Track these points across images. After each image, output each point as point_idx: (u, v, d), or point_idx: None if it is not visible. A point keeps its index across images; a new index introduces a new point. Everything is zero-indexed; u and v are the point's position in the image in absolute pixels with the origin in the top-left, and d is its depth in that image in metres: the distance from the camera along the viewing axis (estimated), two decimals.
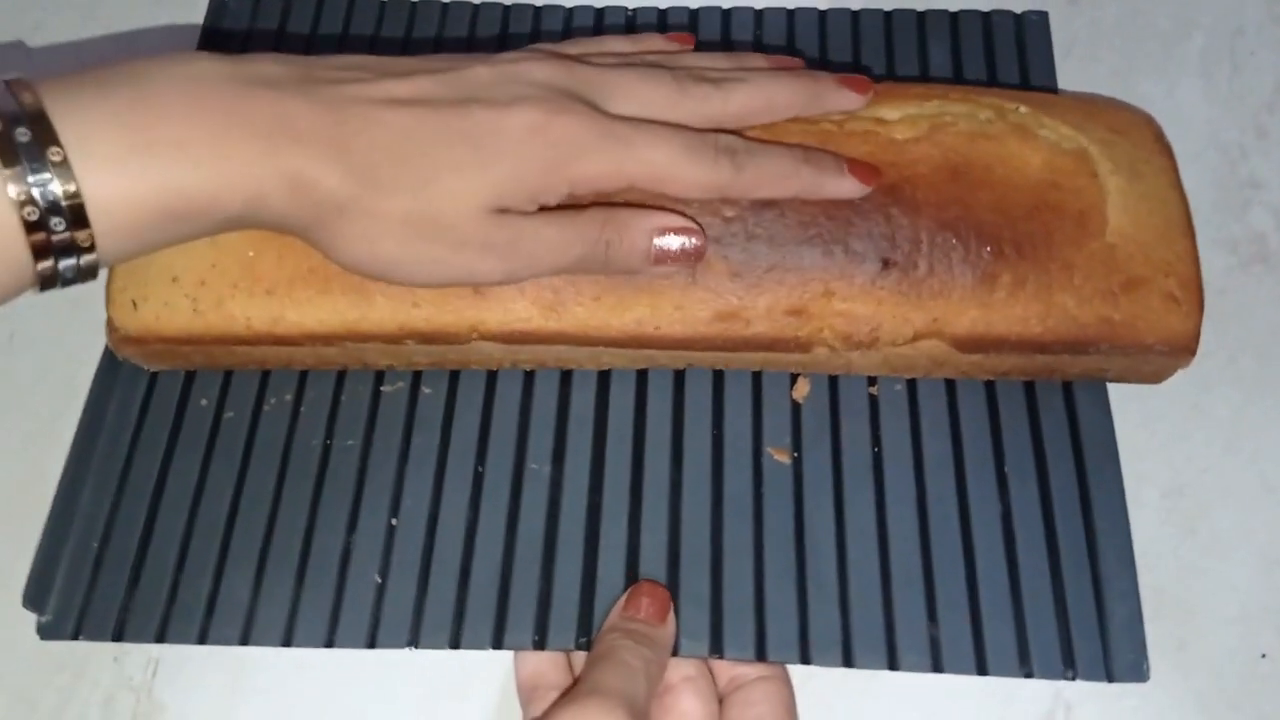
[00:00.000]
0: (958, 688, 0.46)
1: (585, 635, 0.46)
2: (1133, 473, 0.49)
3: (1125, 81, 0.57)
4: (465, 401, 0.51)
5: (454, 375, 0.51)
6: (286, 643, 0.46)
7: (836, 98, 0.46)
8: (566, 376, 0.51)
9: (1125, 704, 0.46)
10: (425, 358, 0.50)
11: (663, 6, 0.61)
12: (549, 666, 0.46)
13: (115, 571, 0.47)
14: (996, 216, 0.45)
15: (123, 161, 0.36)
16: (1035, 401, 0.50)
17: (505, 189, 0.41)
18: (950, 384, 0.50)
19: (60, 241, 0.36)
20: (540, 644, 0.46)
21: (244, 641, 0.46)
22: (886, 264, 0.45)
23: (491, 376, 0.51)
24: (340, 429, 0.50)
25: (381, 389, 0.51)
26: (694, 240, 0.44)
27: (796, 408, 0.50)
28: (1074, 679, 0.45)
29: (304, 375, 0.51)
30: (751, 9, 0.60)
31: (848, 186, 0.44)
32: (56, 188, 0.35)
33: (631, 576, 0.46)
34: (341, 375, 0.51)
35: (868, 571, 0.46)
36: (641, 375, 0.51)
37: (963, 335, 0.46)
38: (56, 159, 0.34)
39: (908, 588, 0.46)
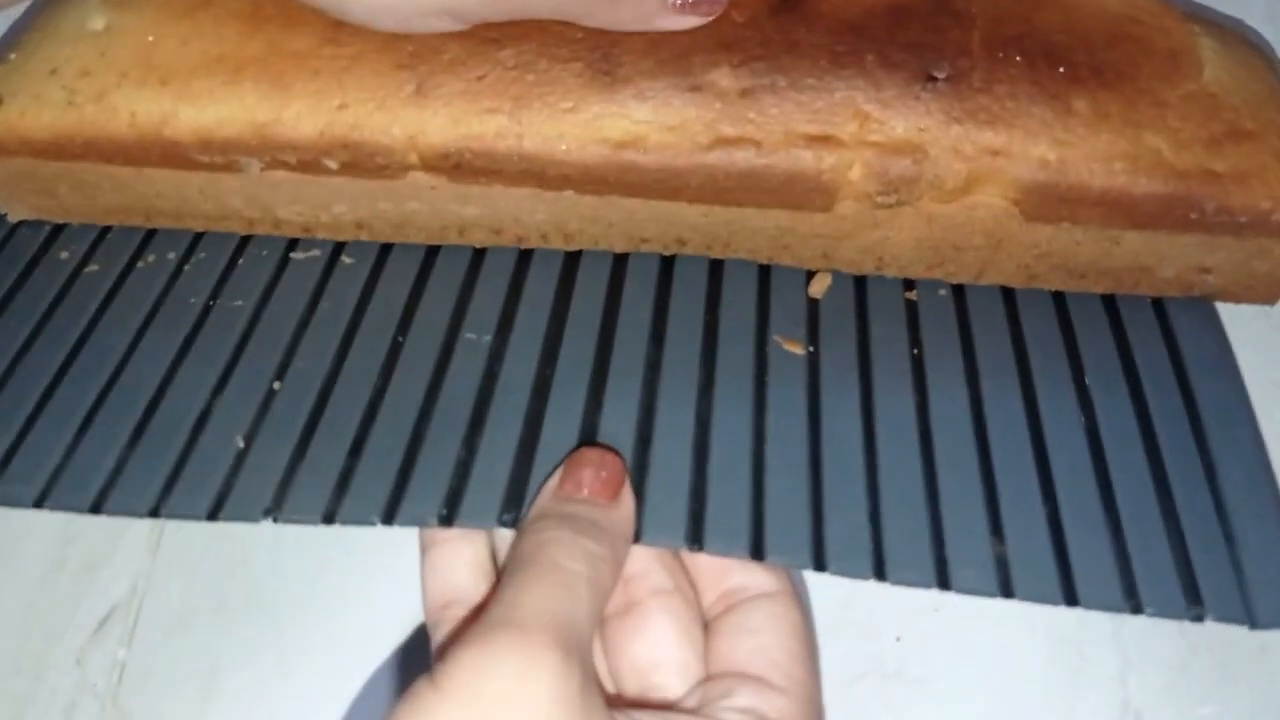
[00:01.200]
0: (1012, 695, 0.33)
1: (513, 511, 0.33)
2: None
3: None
4: (394, 273, 0.40)
5: (385, 249, 0.41)
6: (96, 508, 0.33)
7: None
8: (526, 257, 0.40)
9: (1201, 713, 0.33)
10: (350, 209, 0.39)
11: None
12: (466, 575, 0.32)
13: None
14: (1069, 39, 0.36)
15: None
16: (1119, 318, 0.39)
17: None
18: (1008, 295, 0.39)
19: None
20: (448, 518, 0.33)
21: (39, 503, 0.33)
22: (932, 79, 0.36)
23: (432, 253, 0.41)
24: (230, 290, 0.39)
25: (291, 255, 0.41)
26: None
27: (813, 304, 0.39)
28: (1201, 619, 0.31)
29: (199, 237, 0.41)
30: None
31: None
32: None
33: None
34: (246, 241, 0.41)
35: (905, 473, 0.34)
36: (620, 260, 0.40)
37: (1030, 182, 0.36)
38: None
39: (960, 496, 0.33)
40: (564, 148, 0.36)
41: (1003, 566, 0.32)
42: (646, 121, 0.36)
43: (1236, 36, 0.40)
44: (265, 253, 0.41)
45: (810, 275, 0.40)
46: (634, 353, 0.37)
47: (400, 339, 0.38)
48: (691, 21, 0.36)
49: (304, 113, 0.37)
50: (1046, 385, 0.36)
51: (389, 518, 0.33)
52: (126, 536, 0.38)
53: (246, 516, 0.33)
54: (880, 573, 0.32)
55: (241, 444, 0.35)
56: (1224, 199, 0.35)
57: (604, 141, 0.36)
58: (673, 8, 0.36)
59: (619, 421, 0.35)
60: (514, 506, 0.33)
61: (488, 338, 0.37)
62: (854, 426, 0.35)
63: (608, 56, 0.36)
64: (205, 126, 0.37)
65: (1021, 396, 0.36)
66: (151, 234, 0.41)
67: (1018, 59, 0.36)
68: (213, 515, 0.33)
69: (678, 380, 0.36)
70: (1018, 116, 0.35)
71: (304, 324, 0.38)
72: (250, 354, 0.37)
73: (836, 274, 0.40)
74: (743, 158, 0.36)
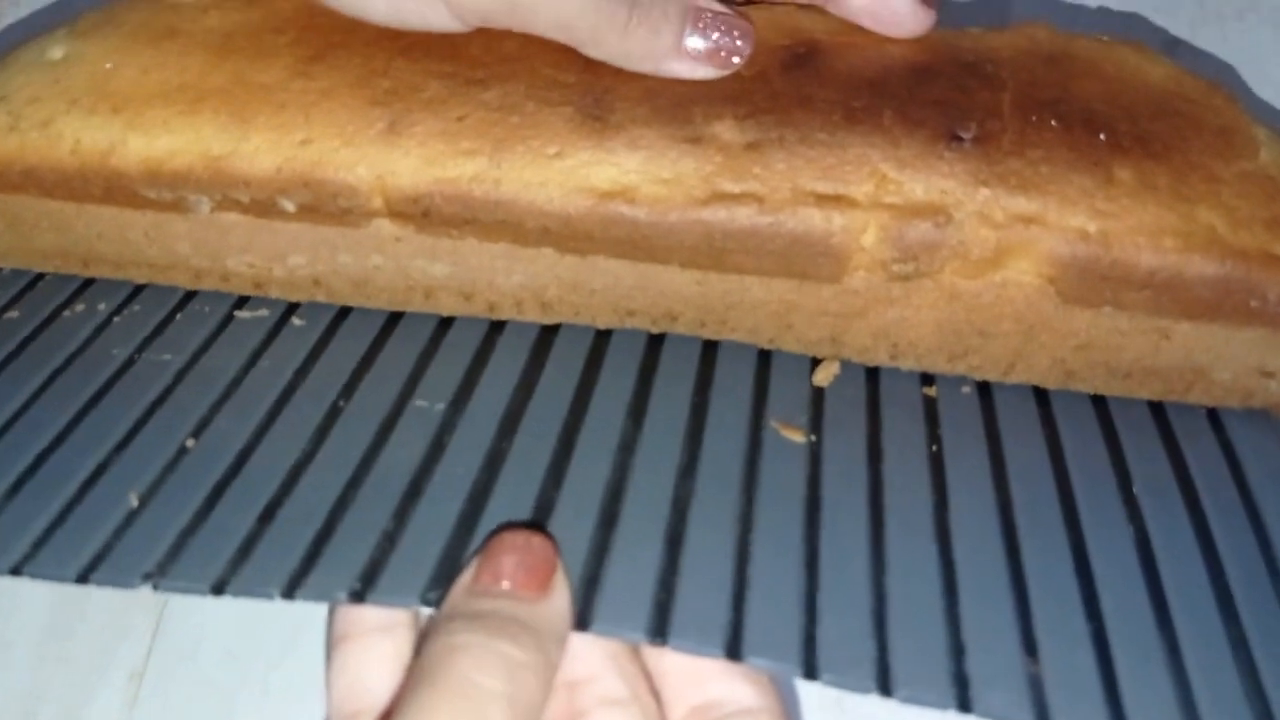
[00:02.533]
0: None
1: (441, 589, 0.27)
2: None
3: None
4: (348, 337, 0.36)
5: (342, 313, 0.37)
6: None
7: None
8: (497, 329, 0.36)
9: None
10: (307, 262, 0.36)
11: None
12: (380, 677, 0.27)
13: None
14: (1110, 109, 0.33)
15: None
16: (1171, 430, 0.34)
17: None
18: (1042, 396, 0.35)
19: None
20: (361, 594, 0.27)
21: None
22: (957, 138, 0.32)
23: (394, 320, 0.36)
24: (160, 344, 0.35)
25: (236, 313, 0.36)
26: (739, 38, 0.32)
27: (818, 392, 0.34)
28: None
29: (140, 290, 0.37)
30: None
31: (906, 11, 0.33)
32: None
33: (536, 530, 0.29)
34: (191, 297, 0.37)
35: (918, 573, 0.28)
36: (602, 338, 0.36)
37: (1067, 257, 0.31)
38: None
39: (986, 605, 0.28)
40: (546, 196, 0.33)
41: (1037, 689, 0.26)
42: (638, 171, 0.32)
43: None
44: (208, 309, 0.36)
45: (815, 363, 0.35)
46: (607, 430, 0.32)
47: (341, 403, 0.33)
48: (704, 72, 0.33)
49: (263, 146, 0.33)
50: (1087, 490, 0.31)
51: (291, 590, 0.27)
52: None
53: (121, 581, 0.27)
54: (885, 686, 0.26)
55: (135, 502, 0.29)
56: None
57: (589, 191, 0.32)
58: (688, 52, 0.33)
59: (580, 500, 0.30)
60: (443, 585, 0.27)
61: (440, 406, 0.33)
62: (859, 519, 0.30)
63: (600, 102, 0.33)
64: (154, 157, 0.34)
65: (1059, 501, 0.31)
66: (88, 283, 0.37)
67: (1053, 123, 0.32)
68: (82, 578, 0.28)
69: (654, 461, 0.31)
70: (1053, 183, 0.32)
71: (236, 382, 0.34)
72: (168, 409, 0.32)
73: (846, 363, 0.35)
74: (744, 215, 0.32)
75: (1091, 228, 0.31)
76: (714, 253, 0.33)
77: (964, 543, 0.29)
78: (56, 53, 0.36)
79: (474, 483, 0.30)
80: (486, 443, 0.31)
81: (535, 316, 0.36)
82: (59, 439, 0.31)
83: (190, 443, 0.31)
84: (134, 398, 0.33)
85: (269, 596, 0.27)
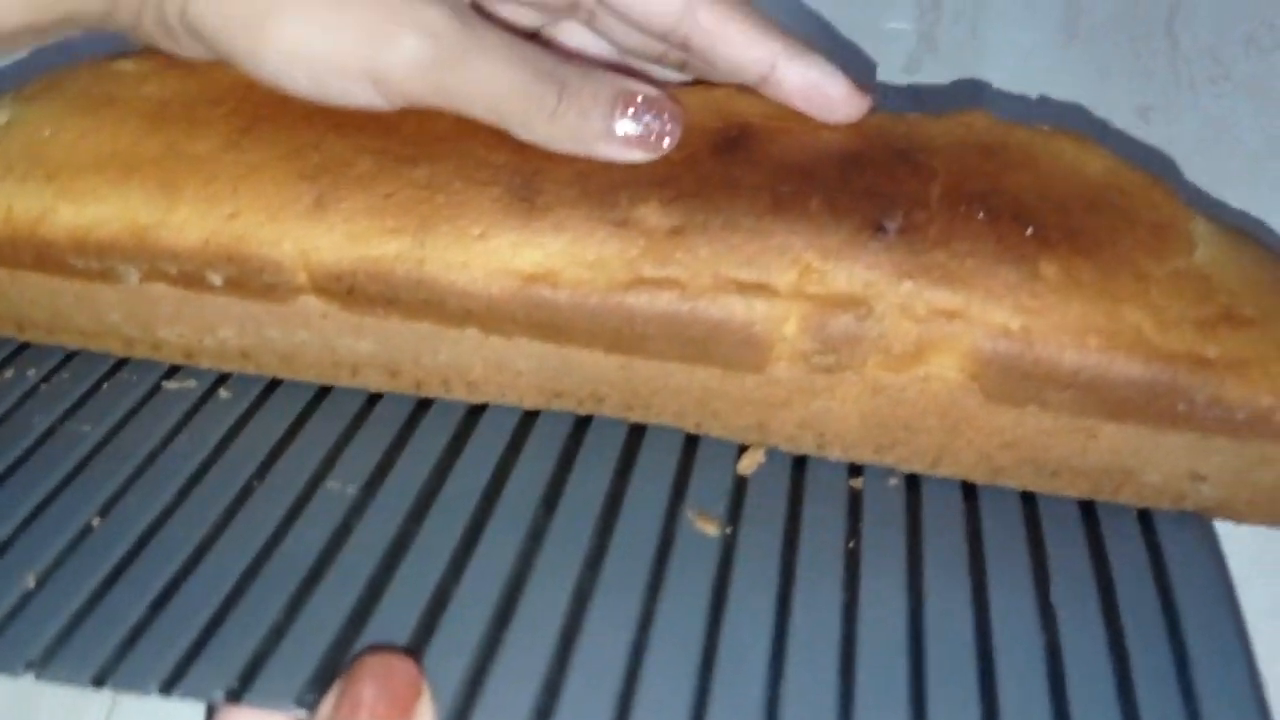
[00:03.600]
0: None
1: (318, 692, 0.26)
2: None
3: (1213, 206, 0.44)
4: (272, 412, 0.35)
5: (271, 386, 0.36)
6: None
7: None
8: (424, 407, 0.36)
9: None
10: (235, 335, 0.35)
11: None
12: None
13: None
14: (1041, 202, 0.32)
15: None
16: (1098, 531, 0.33)
17: None
18: (970, 491, 0.34)
19: None
20: (238, 694, 0.26)
21: None
22: (882, 228, 0.31)
23: (321, 395, 0.36)
24: (82, 414, 0.35)
25: (164, 383, 0.36)
26: (669, 122, 0.32)
27: (741, 481, 0.34)
28: None
29: (71, 356, 0.37)
30: None
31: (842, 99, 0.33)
32: None
33: (426, 632, 0.28)
34: (121, 365, 0.37)
35: (815, 688, 0.27)
36: (528, 419, 0.35)
37: (990, 353, 0.31)
38: None
39: (884, 714, 0.27)
40: (469, 277, 0.32)
41: None
42: (561, 254, 0.32)
43: (1239, 227, 0.36)
44: (136, 379, 0.36)
45: (742, 450, 0.35)
46: (517, 517, 0.32)
47: (254, 483, 0.32)
48: (633, 155, 0.33)
49: (191, 218, 0.33)
50: (1002, 596, 0.30)
51: (169, 686, 0.27)
52: None
53: (4, 668, 0.27)
54: None
55: (32, 584, 0.29)
56: (1217, 389, 0.30)
57: (513, 273, 0.32)
58: (617, 136, 0.32)
59: (477, 593, 0.29)
60: (321, 687, 0.27)
61: (353, 489, 0.32)
62: (763, 623, 0.29)
63: (529, 184, 0.33)
64: (81, 225, 0.34)
65: (971, 607, 0.30)
66: (23, 348, 0.37)
67: (980, 216, 0.32)
68: None
69: (559, 553, 0.30)
70: (978, 276, 0.31)
71: (151, 457, 0.33)
72: (79, 485, 0.32)
73: (773, 451, 0.35)
74: (665, 301, 0.32)
75: (1014, 324, 0.31)
76: (636, 338, 0.32)
77: (867, 649, 0.29)
78: (1, 118, 0.36)
79: (373, 572, 0.30)
80: (393, 529, 0.31)
81: (462, 395, 0.36)
82: None
83: (96, 521, 0.31)
84: (46, 471, 0.33)
85: (147, 692, 0.27)
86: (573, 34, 0.37)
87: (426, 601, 0.29)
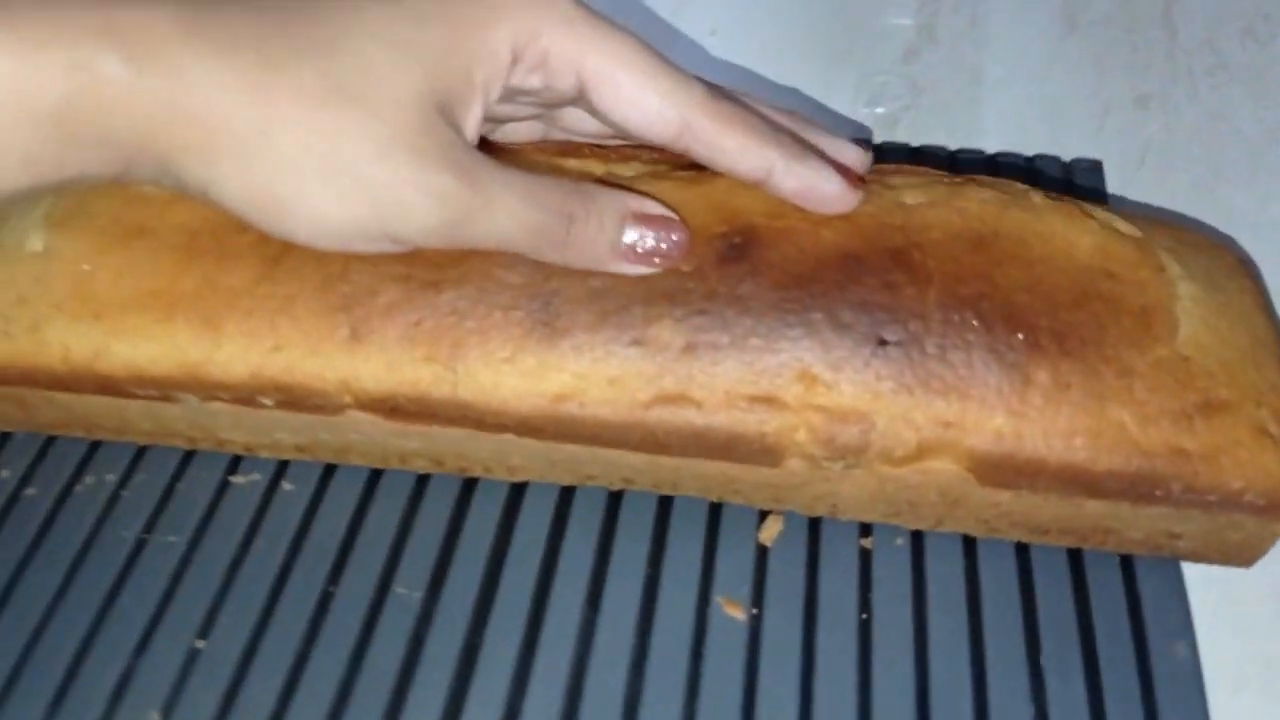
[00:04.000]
0: None
1: None
2: (1217, 673, 0.35)
3: (1211, 194, 0.46)
4: (333, 504, 0.39)
5: (328, 471, 0.40)
6: None
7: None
8: (470, 486, 0.39)
9: None
10: (291, 436, 0.39)
11: None
12: None
13: None
14: (1031, 299, 0.34)
15: None
16: (1083, 578, 0.37)
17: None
18: (969, 544, 0.38)
19: None
20: None
21: None
22: (883, 342, 0.34)
23: (375, 477, 0.40)
24: (165, 522, 0.39)
25: (231, 479, 0.40)
26: (674, 237, 0.34)
27: (763, 552, 0.38)
28: None
29: (141, 453, 0.40)
30: None
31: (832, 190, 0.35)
32: None
33: None
34: (189, 457, 0.40)
35: None
36: (566, 494, 0.39)
37: (984, 453, 0.34)
38: None
39: None
40: (501, 398, 0.35)
41: None
42: (585, 375, 0.35)
43: (1219, 266, 0.38)
44: (205, 474, 0.40)
45: (763, 515, 0.38)
46: (566, 618, 0.36)
47: (331, 589, 0.37)
48: (642, 270, 0.35)
49: (235, 355, 0.36)
50: (998, 662, 0.35)
51: None
52: None
53: None
54: None
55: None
56: (1191, 479, 0.33)
57: (541, 394, 0.35)
58: (624, 255, 0.34)
59: (543, 710, 0.34)
60: None
61: (419, 595, 0.36)
62: (789, 710, 0.33)
63: (548, 306, 0.35)
64: (138, 364, 0.36)
65: (971, 679, 0.34)
66: (95, 447, 0.41)
67: (975, 323, 0.34)
68: None
69: (609, 652, 0.35)
70: (972, 386, 0.34)
71: (235, 565, 0.37)
72: (176, 606, 0.36)
73: (790, 515, 0.38)
74: (684, 417, 0.35)
75: (1006, 428, 0.34)
76: (659, 446, 0.35)
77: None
78: (36, 244, 0.38)
79: (449, 690, 0.34)
80: (460, 638, 0.35)
81: (504, 477, 0.39)
82: (85, 647, 0.35)
83: (200, 644, 0.35)
84: (146, 592, 0.37)
85: None
86: (576, 118, 0.38)
87: (500, 715, 0.33)
